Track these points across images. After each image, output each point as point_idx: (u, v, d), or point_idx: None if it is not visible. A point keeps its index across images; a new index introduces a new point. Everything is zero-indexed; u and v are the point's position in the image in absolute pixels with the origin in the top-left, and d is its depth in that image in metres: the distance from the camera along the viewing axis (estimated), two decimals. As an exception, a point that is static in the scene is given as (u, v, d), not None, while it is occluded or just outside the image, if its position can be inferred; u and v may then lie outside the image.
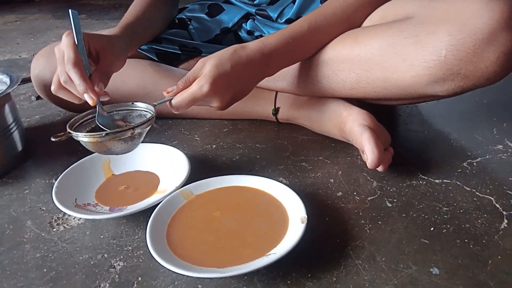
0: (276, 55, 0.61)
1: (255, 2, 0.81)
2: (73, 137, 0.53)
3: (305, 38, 0.62)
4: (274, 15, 0.79)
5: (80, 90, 0.54)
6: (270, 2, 0.79)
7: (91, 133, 0.52)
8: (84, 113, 0.58)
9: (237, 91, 0.61)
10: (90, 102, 0.55)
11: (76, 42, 0.55)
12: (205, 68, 0.57)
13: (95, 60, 0.59)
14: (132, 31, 0.70)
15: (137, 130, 0.54)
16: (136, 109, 0.60)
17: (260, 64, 0.60)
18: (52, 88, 0.58)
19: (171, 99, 0.58)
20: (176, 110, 0.59)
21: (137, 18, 0.72)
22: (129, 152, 0.57)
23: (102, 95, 0.56)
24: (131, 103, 0.60)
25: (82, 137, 0.53)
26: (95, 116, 0.57)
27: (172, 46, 0.83)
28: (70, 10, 0.56)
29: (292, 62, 0.66)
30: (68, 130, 0.54)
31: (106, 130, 0.53)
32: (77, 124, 0.57)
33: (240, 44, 0.61)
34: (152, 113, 0.57)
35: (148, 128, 0.56)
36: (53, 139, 0.52)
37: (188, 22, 0.86)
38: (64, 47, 0.55)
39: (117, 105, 0.60)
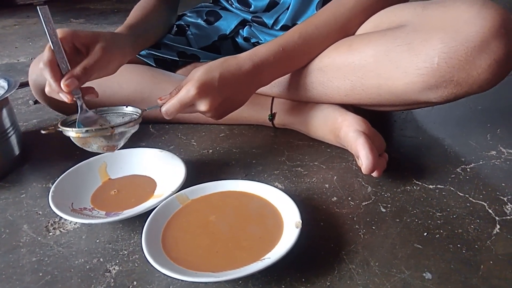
0: (267, 64, 0.62)
1: (251, 9, 0.82)
2: (62, 131, 0.55)
3: (296, 47, 0.63)
4: (269, 22, 0.80)
5: (54, 90, 0.55)
6: (266, 9, 0.80)
7: (74, 129, 0.54)
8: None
9: (227, 98, 0.62)
10: (66, 100, 0.55)
11: (50, 41, 0.55)
12: (195, 75, 0.59)
13: (84, 55, 0.59)
14: (136, 31, 0.70)
15: (118, 130, 0.55)
16: (128, 113, 0.61)
17: (251, 73, 0.61)
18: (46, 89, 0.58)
19: (163, 104, 0.60)
20: (166, 116, 0.60)
21: (140, 21, 0.73)
22: (112, 151, 0.58)
23: (78, 92, 0.56)
24: (124, 106, 0.61)
25: (67, 132, 0.55)
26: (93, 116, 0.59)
27: (171, 52, 0.84)
28: (38, 7, 0.54)
29: (285, 72, 0.67)
30: (59, 125, 0.56)
31: (88, 128, 0.55)
32: (71, 121, 0.59)
33: (232, 56, 0.63)
34: (137, 115, 0.59)
35: (131, 130, 0.58)
36: (42, 132, 0.54)
37: (187, 28, 0.87)
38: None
39: (111, 108, 0.62)
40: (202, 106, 0.60)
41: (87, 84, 0.59)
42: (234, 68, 0.61)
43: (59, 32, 0.56)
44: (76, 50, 0.59)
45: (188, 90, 0.58)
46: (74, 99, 0.56)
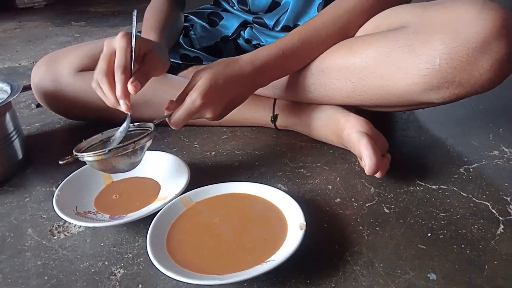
0: (267, 67, 0.63)
1: (250, 10, 0.82)
2: (79, 158, 0.55)
3: (295, 50, 0.64)
4: (270, 23, 0.80)
5: (117, 95, 0.55)
6: (267, 10, 0.80)
7: (95, 152, 0.53)
8: (90, 139, 0.59)
9: (229, 102, 0.63)
10: (124, 109, 0.55)
11: (133, 45, 0.56)
12: (199, 82, 0.59)
13: (140, 62, 0.59)
14: (167, 39, 0.71)
15: (138, 145, 0.55)
16: (137, 129, 0.61)
17: (252, 77, 0.62)
18: (93, 85, 0.58)
19: (170, 114, 0.60)
20: (174, 127, 0.61)
21: (165, 28, 0.73)
22: (133, 168, 0.58)
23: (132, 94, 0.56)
24: (132, 124, 0.61)
25: (88, 157, 0.54)
26: (102, 140, 0.59)
27: (174, 55, 0.84)
28: (133, 12, 0.57)
29: (285, 74, 0.68)
30: (74, 152, 0.55)
31: (110, 148, 0.54)
32: (83, 149, 0.58)
33: (233, 58, 0.63)
34: (150, 128, 0.58)
35: (148, 143, 0.57)
36: (60, 162, 0.54)
37: (190, 28, 0.87)
38: (117, 48, 0.55)
39: (118, 128, 0.61)
40: (208, 113, 0.61)
41: None
42: (237, 73, 0.61)
43: (127, 38, 0.56)
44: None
45: (194, 101, 0.59)
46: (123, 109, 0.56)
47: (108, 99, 0.57)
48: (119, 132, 0.60)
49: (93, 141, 0.60)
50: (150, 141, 0.58)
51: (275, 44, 0.64)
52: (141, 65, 0.59)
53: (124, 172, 0.58)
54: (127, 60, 0.55)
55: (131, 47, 0.56)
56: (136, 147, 0.55)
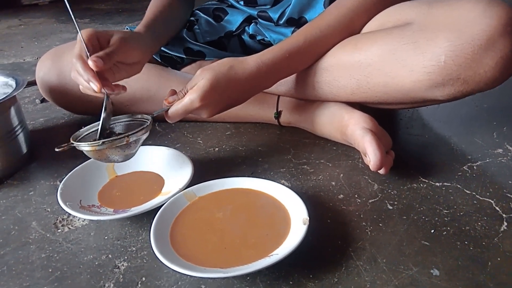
0: (273, 70, 0.63)
1: (258, 3, 0.82)
2: (75, 147, 0.55)
3: (301, 51, 0.64)
4: (275, 16, 0.80)
5: (84, 79, 0.56)
6: (272, 4, 0.80)
7: (90, 142, 0.54)
8: (88, 126, 0.60)
9: (227, 103, 0.64)
10: (96, 89, 0.56)
11: (82, 39, 0.57)
12: (200, 82, 0.60)
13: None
14: (154, 31, 0.71)
15: (132, 138, 0.55)
16: (136, 119, 0.61)
17: (256, 80, 0.63)
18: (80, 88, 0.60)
19: (169, 108, 0.61)
20: (169, 120, 0.62)
21: (158, 20, 0.74)
22: (128, 159, 0.59)
23: (108, 80, 0.57)
24: (130, 115, 0.62)
25: (83, 147, 0.55)
26: (97, 129, 0.58)
27: (177, 49, 0.84)
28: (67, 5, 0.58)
29: (288, 75, 0.68)
30: (71, 141, 0.56)
31: (104, 139, 0.55)
32: (81, 136, 0.59)
33: (238, 59, 0.63)
34: (147, 121, 0.59)
35: (144, 136, 0.58)
36: (56, 150, 0.54)
37: (195, 23, 0.88)
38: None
39: (118, 118, 0.62)
40: (203, 114, 0.62)
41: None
42: (240, 76, 0.61)
43: (84, 32, 0.58)
44: (99, 48, 0.60)
45: (192, 101, 0.59)
46: (102, 91, 0.56)
47: (86, 88, 0.58)
48: (102, 117, 0.59)
49: (90, 128, 0.60)
50: (146, 134, 0.58)
51: (281, 46, 0.64)
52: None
53: (119, 162, 0.59)
54: (81, 49, 0.56)
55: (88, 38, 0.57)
56: (130, 141, 0.55)
